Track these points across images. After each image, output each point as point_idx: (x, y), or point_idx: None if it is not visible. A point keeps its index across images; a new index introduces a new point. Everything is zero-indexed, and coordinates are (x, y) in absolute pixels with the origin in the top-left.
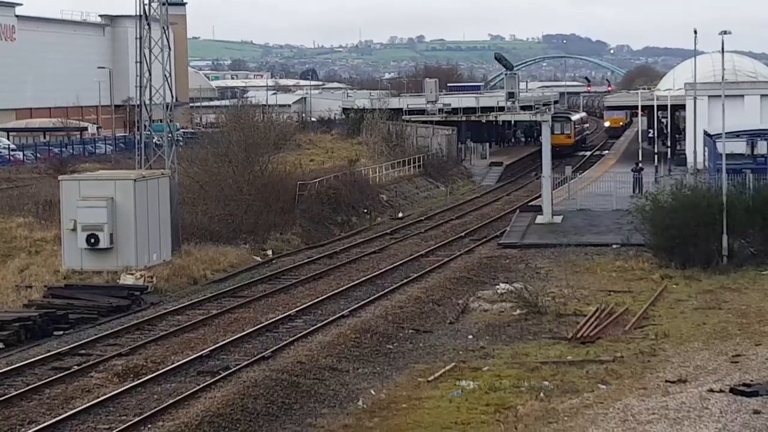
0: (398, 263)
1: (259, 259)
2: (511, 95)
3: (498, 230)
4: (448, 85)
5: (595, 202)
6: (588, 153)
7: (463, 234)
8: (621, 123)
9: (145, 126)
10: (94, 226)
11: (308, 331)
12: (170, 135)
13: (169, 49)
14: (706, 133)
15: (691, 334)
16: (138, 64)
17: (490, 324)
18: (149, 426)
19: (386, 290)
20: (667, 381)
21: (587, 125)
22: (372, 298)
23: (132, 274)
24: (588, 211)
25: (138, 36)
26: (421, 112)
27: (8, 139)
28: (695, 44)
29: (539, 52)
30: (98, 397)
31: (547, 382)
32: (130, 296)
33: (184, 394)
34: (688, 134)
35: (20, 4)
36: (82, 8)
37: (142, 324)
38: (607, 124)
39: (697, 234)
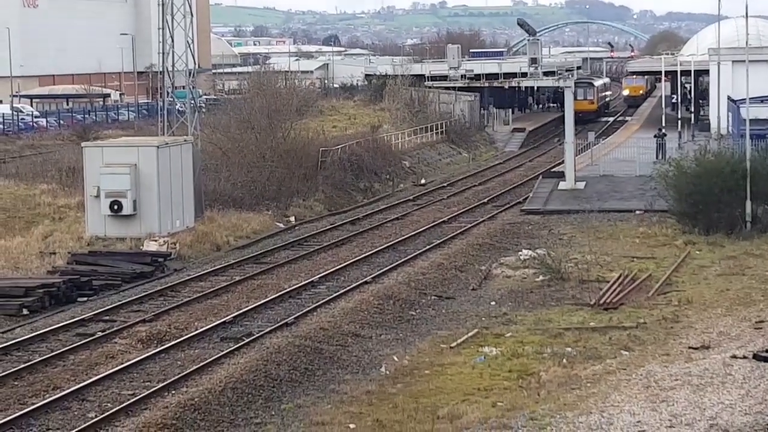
0: (421, 229)
1: (281, 225)
2: (533, 61)
3: (521, 196)
4: (471, 51)
5: (618, 168)
6: (611, 119)
7: (485, 200)
8: (641, 91)
9: (168, 92)
10: (118, 192)
11: (331, 297)
12: (193, 101)
13: (192, 15)
14: (729, 99)
15: (714, 301)
16: (160, 31)
17: (513, 290)
18: (173, 392)
19: (409, 257)
20: (690, 347)
21: (610, 91)
22: (395, 264)
23: (155, 241)
24: (611, 177)
25: (160, 2)
26: (444, 78)
27: (31, 105)
28: (719, 9)
29: (562, 18)
30: (122, 363)
31: (569, 349)
32: (154, 263)
33: (207, 360)
34: (711, 100)
35: None
36: None
37: (165, 290)
38: (625, 92)
39: (721, 200)
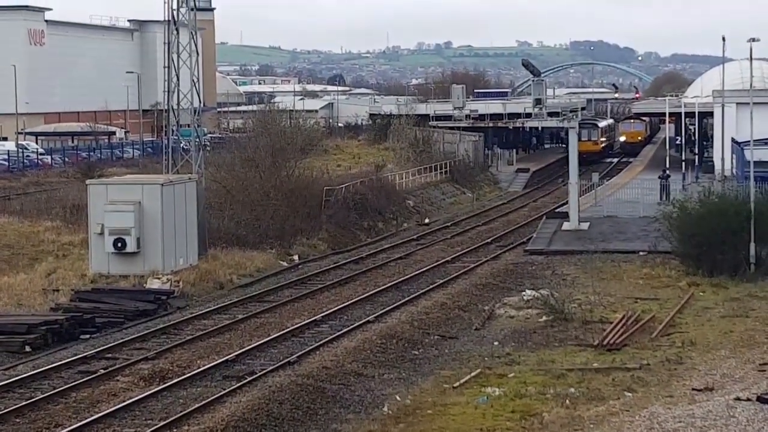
0: (424, 269)
1: (285, 264)
2: (538, 101)
3: (524, 237)
4: (475, 91)
5: (622, 209)
6: (615, 160)
7: (489, 240)
8: (639, 137)
9: (173, 131)
10: (122, 230)
11: (334, 336)
12: (198, 140)
13: (197, 54)
14: (734, 141)
15: (718, 342)
16: (166, 69)
17: (516, 330)
18: (175, 430)
19: (412, 296)
20: (693, 389)
21: (614, 132)
22: (398, 303)
23: (159, 279)
24: (615, 218)
25: (166, 41)
26: (448, 117)
27: (37, 143)
28: (723, 51)
29: (567, 59)
30: (124, 401)
31: (572, 389)
32: (157, 300)
33: (209, 399)
34: (715, 141)
35: (50, 9)
36: (112, 13)
37: (168, 328)
38: (622, 138)
39: (725, 241)
